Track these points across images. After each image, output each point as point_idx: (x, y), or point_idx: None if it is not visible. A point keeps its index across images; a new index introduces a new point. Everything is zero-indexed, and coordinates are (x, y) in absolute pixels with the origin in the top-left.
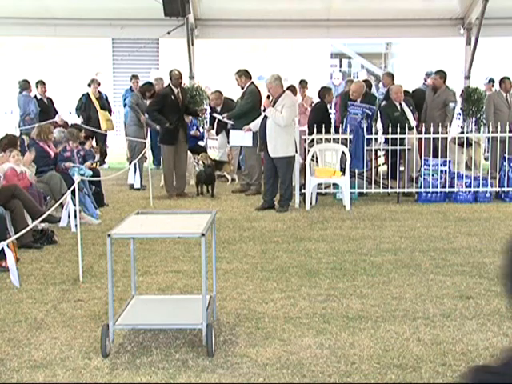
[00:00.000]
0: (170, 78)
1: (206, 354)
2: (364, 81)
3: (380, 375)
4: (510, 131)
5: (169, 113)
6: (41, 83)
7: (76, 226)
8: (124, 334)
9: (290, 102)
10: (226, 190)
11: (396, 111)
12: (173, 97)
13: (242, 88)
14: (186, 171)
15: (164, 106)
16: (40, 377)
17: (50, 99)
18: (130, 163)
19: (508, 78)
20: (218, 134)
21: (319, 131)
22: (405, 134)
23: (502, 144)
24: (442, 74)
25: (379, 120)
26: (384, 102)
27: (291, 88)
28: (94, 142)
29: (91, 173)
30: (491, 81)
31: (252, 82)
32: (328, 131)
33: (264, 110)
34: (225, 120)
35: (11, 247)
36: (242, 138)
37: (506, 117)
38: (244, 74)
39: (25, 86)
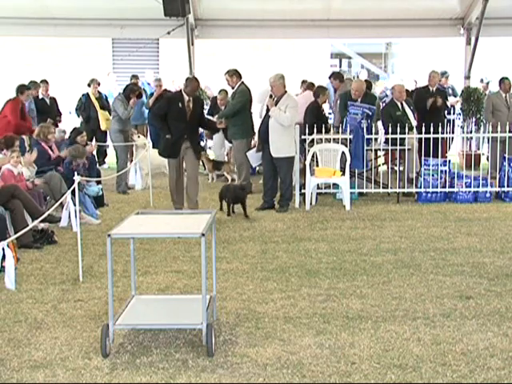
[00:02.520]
0: (186, 86)
1: (206, 353)
2: (364, 81)
3: (380, 375)
4: (509, 131)
5: (172, 121)
6: (43, 83)
7: (76, 225)
8: (124, 334)
9: (294, 103)
10: None
11: (398, 110)
12: (180, 104)
13: (233, 88)
14: (197, 190)
15: (168, 112)
16: (40, 377)
17: (53, 99)
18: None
19: (507, 79)
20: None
21: (319, 131)
22: (405, 133)
23: (502, 144)
24: (336, 75)
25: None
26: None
27: (310, 86)
28: (94, 141)
29: (99, 190)
30: (482, 81)
31: (242, 82)
32: (321, 131)
33: (268, 110)
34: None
35: (11, 247)
36: (258, 156)
37: (505, 117)
38: (235, 74)
39: (33, 86)
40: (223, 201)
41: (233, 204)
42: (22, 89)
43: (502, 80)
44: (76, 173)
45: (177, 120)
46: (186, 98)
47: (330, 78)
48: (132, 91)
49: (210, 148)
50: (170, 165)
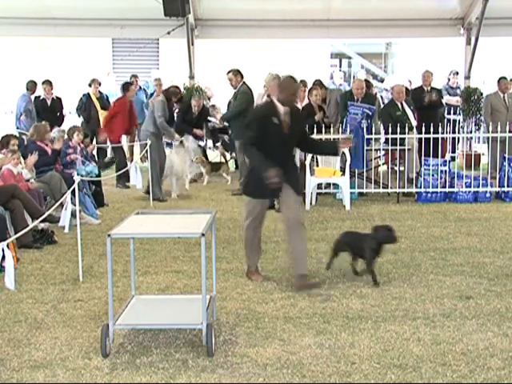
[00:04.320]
0: (280, 90)
1: (206, 353)
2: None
3: (380, 375)
4: (509, 131)
5: (265, 146)
6: (46, 83)
7: (76, 225)
8: (124, 334)
9: None
10: (226, 190)
11: (398, 110)
12: (276, 120)
13: (235, 88)
14: (305, 251)
15: (261, 132)
16: (40, 377)
17: (58, 99)
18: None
19: (505, 78)
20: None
21: (319, 131)
22: (405, 133)
23: (502, 144)
24: (318, 84)
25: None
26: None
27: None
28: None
29: (96, 171)
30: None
31: (244, 82)
32: (319, 132)
33: None
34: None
35: (11, 247)
36: None
37: (503, 117)
38: (238, 74)
39: (30, 86)
40: (338, 253)
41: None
42: (127, 85)
43: (500, 80)
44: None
45: (272, 144)
46: (281, 109)
47: (314, 84)
48: (174, 94)
49: (209, 148)
50: (249, 207)
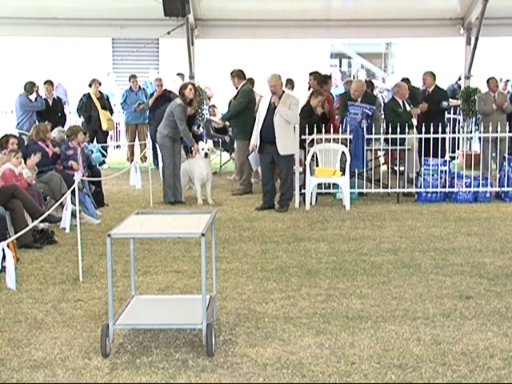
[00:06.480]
0: None
1: (206, 353)
2: (366, 81)
3: (380, 375)
4: (502, 131)
5: None
6: (48, 83)
7: (76, 225)
8: (124, 334)
9: (296, 101)
10: (225, 191)
11: (399, 108)
12: None
13: (237, 88)
14: None
15: None
16: (40, 377)
17: (59, 99)
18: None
19: (494, 78)
20: None
21: (319, 132)
22: (405, 133)
23: (493, 144)
24: (315, 76)
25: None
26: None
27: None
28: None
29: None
30: (501, 80)
31: (246, 82)
32: (318, 132)
33: (272, 107)
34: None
35: (11, 247)
36: (257, 158)
37: (494, 117)
38: (237, 75)
39: (28, 88)
40: None
41: None
42: (326, 78)
43: (489, 79)
44: (73, 160)
45: None
46: None
47: (310, 75)
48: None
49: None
50: None
